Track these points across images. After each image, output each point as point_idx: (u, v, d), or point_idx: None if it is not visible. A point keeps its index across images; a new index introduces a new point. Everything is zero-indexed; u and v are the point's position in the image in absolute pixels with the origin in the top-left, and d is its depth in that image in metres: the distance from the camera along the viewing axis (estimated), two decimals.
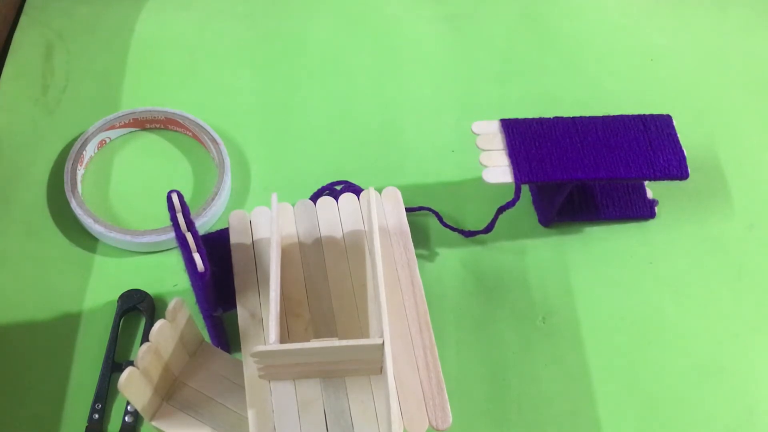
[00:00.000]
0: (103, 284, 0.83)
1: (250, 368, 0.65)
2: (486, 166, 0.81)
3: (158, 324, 0.65)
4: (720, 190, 0.94)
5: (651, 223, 0.91)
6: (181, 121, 0.94)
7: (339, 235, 0.75)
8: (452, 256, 0.87)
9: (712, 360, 0.81)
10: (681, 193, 0.93)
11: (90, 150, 0.92)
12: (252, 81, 1.01)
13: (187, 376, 0.71)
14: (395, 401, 0.64)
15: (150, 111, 0.94)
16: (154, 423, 0.68)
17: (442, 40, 1.07)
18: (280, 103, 0.99)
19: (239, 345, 0.69)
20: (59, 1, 1.08)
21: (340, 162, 0.94)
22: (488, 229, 0.84)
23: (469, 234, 0.86)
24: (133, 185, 0.91)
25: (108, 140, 0.94)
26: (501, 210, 0.83)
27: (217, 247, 0.74)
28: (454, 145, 0.96)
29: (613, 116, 0.85)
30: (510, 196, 0.83)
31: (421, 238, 0.88)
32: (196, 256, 0.64)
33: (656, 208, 0.91)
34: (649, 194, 0.91)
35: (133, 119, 0.94)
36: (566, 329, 0.83)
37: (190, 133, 0.95)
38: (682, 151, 0.83)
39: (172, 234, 0.67)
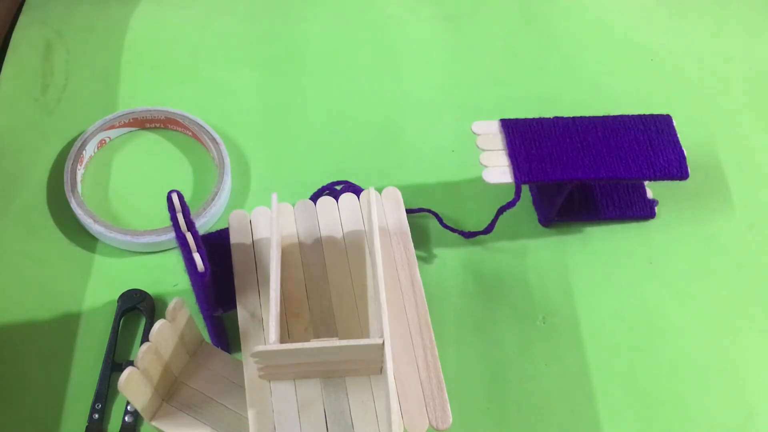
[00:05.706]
0: (103, 284, 0.83)
1: (250, 368, 0.65)
2: (486, 166, 0.81)
3: (158, 324, 0.65)
4: (720, 190, 0.94)
5: (651, 223, 0.91)
6: (181, 121, 0.94)
7: (339, 235, 0.75)
8: (452, 256, 0.87)
9: (712, 360, 0.81)
10: (681, 193, 0.92)
11: (90, 150, 0.92)
12: (252, 80, 1.01)
13: (187, 376, 0.71)
14: (395, 401, 0.64)
15: (150, 110, 0.94)
16: (154, 423, 0.68)
17: (442, 40, 1.07)
18: (281, 103, 0.99)
19: (239, 345, 0.69)
20: (59, 0, 1.08)
21: (340, 162, 0.94)
22: (488, 229, 0.84)
23: (469, 235, 0.86)
24: (133, 185, 0.91)
25: (108, 140, 0.94)
26: (501, 210, 0.83)
27: (217, 247, 0.74)
28: (454, 145, 0.96)
29: (613, 116, 0.85)
30: (510, 196, 0.82)
31: (421, 239, 0.88)
32: (196, 256, 0.64)
33: (656, 208, 0.91)
34: (649, 194, 0.91)
35: (132, 119, 0.94)
36: (566, 329, 0.83)
37: (190, 133, 0.94)
38: (682, 151, 0.83)
39: (172, 234, 0.67)
